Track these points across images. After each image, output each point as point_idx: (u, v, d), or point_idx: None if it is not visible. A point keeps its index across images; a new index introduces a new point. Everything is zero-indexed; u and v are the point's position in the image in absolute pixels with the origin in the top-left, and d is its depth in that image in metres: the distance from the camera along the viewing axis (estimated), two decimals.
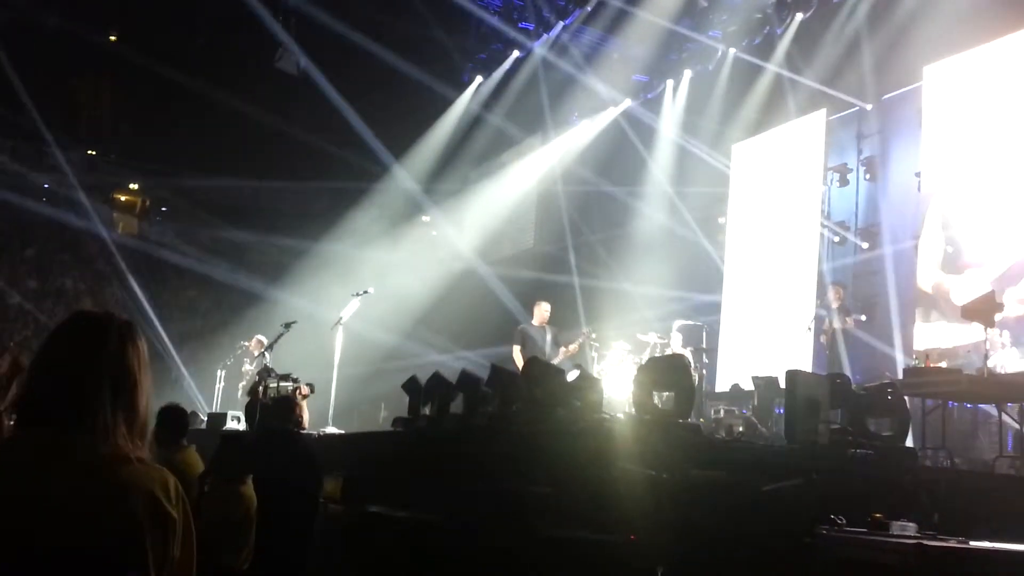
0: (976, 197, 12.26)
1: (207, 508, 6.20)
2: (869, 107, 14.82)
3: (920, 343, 12.27)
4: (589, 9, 17.04)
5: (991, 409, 9.30)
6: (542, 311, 12.69)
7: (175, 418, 6.91)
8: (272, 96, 19.05)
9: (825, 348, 12.80)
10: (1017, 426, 8.67)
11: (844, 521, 4.95)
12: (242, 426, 11.42)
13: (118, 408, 2.13)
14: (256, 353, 14.22)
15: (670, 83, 18.04)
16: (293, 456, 6.87)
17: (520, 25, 18.35)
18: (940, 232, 12.78)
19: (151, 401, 2.24)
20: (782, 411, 9.78)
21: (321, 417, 12.08)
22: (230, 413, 12.52)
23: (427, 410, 9.02)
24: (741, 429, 10.44)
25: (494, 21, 18.09)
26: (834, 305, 12.82)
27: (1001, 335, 9.56)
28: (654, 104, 18.49)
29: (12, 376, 4.36)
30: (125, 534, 2.03)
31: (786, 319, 14.59)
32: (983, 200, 12.12)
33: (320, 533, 7.84)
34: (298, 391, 10.93)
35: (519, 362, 11.59)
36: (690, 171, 17.70)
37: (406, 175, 20.18)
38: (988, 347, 8.78)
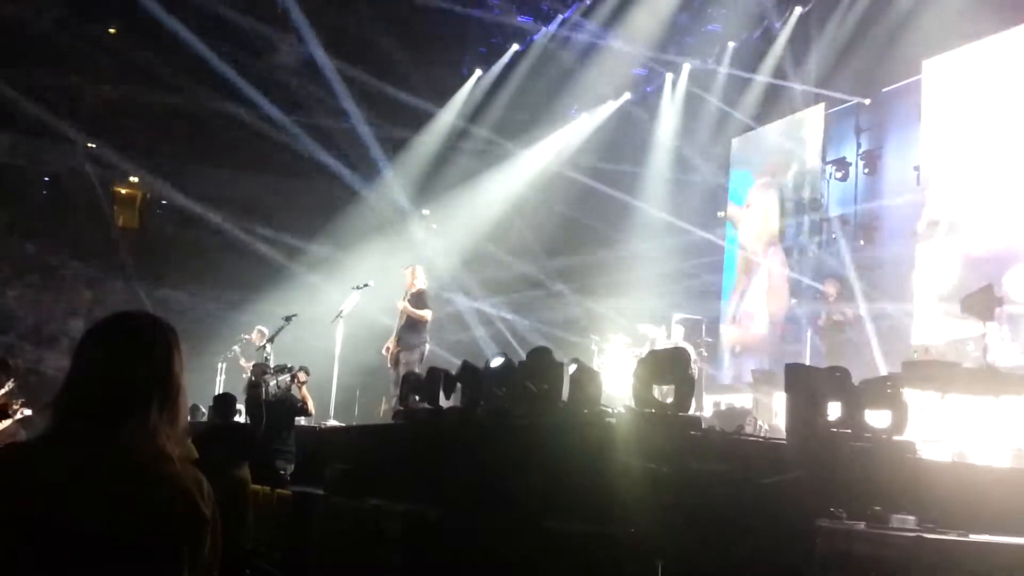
0: (975, 190, 12.27)
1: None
2: (868, 101, 14.82)
3: (919, 336, 12.29)
4: (588, 3, 17.03)
5: (990, 402, 9.31)
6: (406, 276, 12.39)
7: None
8: (273, 89, 19.01)
9: (824, 341, 12.82)
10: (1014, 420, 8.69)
11: (844, 514, 4.96)
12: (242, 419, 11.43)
13: (163, 409, 2.17)
14: (257, 345, 14.21)
15: (669, 76, 18.03)
16: (231, 442, 7.37)
17: (519, 19, 18.34)
18: (939, 225, 12.79)
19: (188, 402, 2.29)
20: (781, 404, 9.81)
21: (322, 410, 12.10)
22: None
23: (425, 403, 9.02)
24: (741, 423, 10.46)
25: (494, 14, 18.08)
26: (831, 298, 12.84)
27: (1000, 329, 9.57)
28: (653, 97, 18.48)
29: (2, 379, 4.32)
30: (163, 531, 2.08)
31: (785, 313, 14.62)
32: (982, 193, 12.14)
33: (320, 525, 7.89)
34: (296, 380, 10.95)
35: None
36: (690, 164, 17.72)
37: (406, 169, 20.17)
38: (987, 340, 8.80)
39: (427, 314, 11.94)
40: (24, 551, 1.99)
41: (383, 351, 12.14)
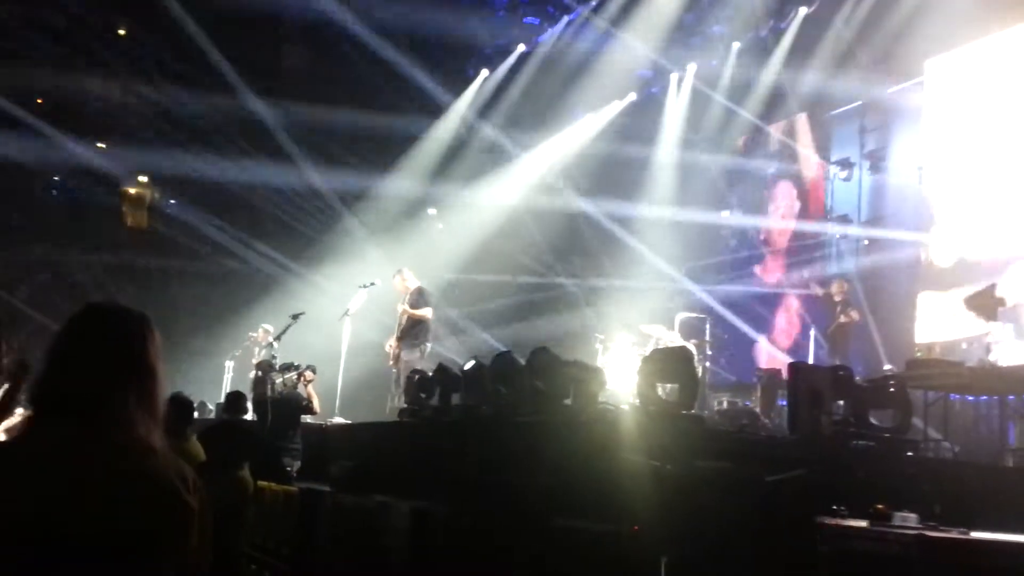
0: (978, 189, 12.30)
1: (209, 493, 6.36)
2: (872, 101, 14.84)
3: (923, 335, 12.32)
4: (594, 4, 17.04)
5: (993, 401, 9.36)
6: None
7: (181, 408, 7.02)
8: (280, 88, 19.05)
9: (828, 340, 12.85)
10: (1019, 418, 8.73)
11: (846, 512, 5.00)
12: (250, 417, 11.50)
13: (139, 399, 2.15)
14: (264, 344, 14.26)
15: (674, 77, 18.04)
16: (237, 440, 7.39)
17: (525, 20, 18.36)
18: (942, 225, 12.82)
19: (165, 392, 2.26)
20: (785, 403, 9.85)
21: (328, 407, 12.16)
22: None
23: (433, 400, 9.08)
24: (745, 421, 10.50)
25: (499, 16, 18.10)
26: (837, 298, 12.86)
27: (1004, 328, 9.59)
28: (658, 98, 18.49)
29: (19, 379, 4.21)
30: (146, 523, 2.05)
31: (790, 312, 14.65)
32: (985, 192, 12.16)
33: (326, 522, 7.94)
34: (302, 378, 11.01)
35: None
36: (694, 165, 17.73)
37: (411, 169, 20.20)
38: (990, 340, 8.84)
39: (427, 312, 11.98)
40: (3, 553, 1.96)
41: (387, 348, 12.22)
